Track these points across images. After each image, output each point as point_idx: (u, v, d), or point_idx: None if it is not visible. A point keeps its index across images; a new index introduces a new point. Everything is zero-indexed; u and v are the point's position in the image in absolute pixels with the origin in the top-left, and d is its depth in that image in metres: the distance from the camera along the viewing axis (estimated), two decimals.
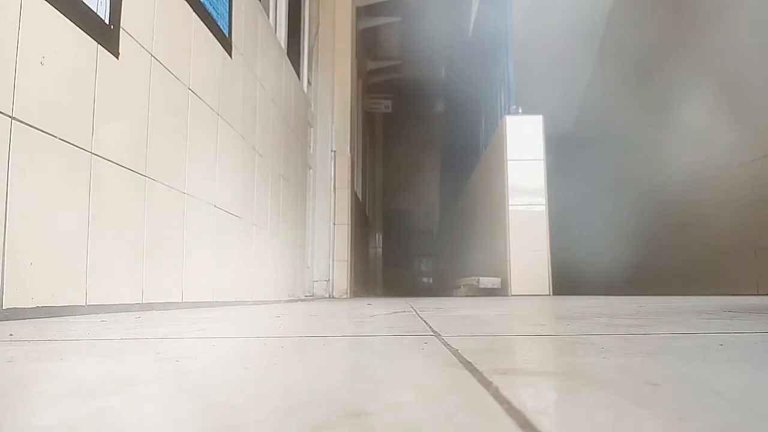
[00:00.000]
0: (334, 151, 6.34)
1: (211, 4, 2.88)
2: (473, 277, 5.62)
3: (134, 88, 2.14)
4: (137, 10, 2.14)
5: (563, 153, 8.18)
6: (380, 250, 13.21)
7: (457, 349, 0.84)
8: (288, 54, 4.74)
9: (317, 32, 6.35)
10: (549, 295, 4.80)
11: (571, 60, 8.58)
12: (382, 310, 2.17)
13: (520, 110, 5.21)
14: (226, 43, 3.09)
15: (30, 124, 1.55)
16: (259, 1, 3.82)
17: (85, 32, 1.80)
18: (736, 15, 4.97)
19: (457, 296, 5.78)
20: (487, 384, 0.56)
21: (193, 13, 2.67)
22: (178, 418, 0.45)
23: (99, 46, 1.88)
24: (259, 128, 3.73)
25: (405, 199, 15.69)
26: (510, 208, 5.01)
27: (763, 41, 4.51)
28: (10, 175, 1.47)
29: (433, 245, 15.84)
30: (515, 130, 5.11)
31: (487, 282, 5.21)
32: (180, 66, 2.51)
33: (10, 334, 1.09)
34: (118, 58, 2.00)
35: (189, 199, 2.60)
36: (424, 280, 16.41)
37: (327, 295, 6.02)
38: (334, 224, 6.24)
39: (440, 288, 11.24)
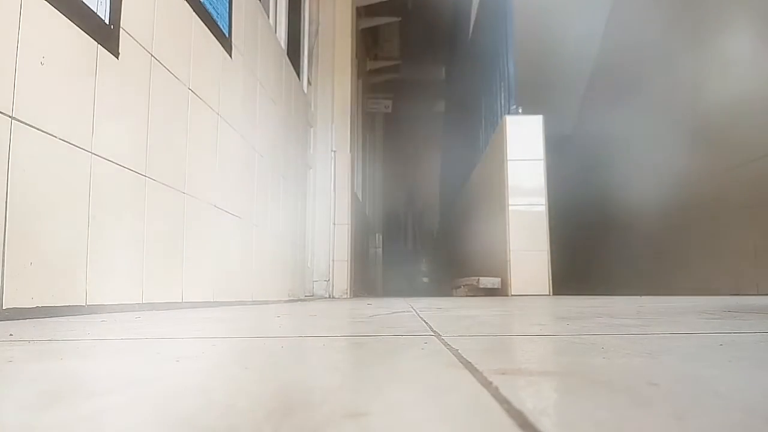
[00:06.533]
0: (334, 151, 6.33)
1: (211, 4, 2.88)
2: (473, 277, 5.62)
3: (134, 88, 2.13)
4: (137, 10, 2.14)
5: (563, 153, 8.18)
6: (380, 250, 13.20)
7: (457, 349, 0.84)
8: (288, 54, 4.74)
9: (317, 32, 6.35)
10: (549, 295, 4.80)
11: (571, 60, 8.58)
12: (382, 310, 2.17)
13: (520, 110, 5.21)
14: (226, 43, 3.09)
15: (30, 124, 1.55)
16: (259, 1, 3.82)
17: (85, 32, 1.80)
18: (738, 15, 4.97)
19: (457, 296, 5.78)
20: (487, 384, 0.56)
21: (193, 13, 2.67)
22: (179, 418, 0.45)
23: (99, 46, 1.88)
24: (259, 128, 3.73)
25: (405, 199, 15.68)
26: (510, 208, 5.00)
27: (763, 42, 4.51)
28: (10, 174, 1.47)
29: (433, 245, 15.84)
30: (515, 130, 5.10)
31: (487, 282, 5.21)
32: (180, 66, 2.51)
33: (10, 334, 1.09)
34: (118, 58, 2.00)
35: (189, 199, 2.60)
36: (424, 280, 16.41)
37: (327, 295, 6.02)
38: (334, 224, 6.24)
39: (440, 288, 11.24)
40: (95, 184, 1.85)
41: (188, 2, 2.61)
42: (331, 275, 6.13)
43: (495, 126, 5.90)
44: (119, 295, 2.01)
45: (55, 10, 1.66)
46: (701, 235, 5.50)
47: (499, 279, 5.18)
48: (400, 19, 9.35)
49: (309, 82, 6.09)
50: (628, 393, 0.52)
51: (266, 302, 3.72)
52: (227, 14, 3.13)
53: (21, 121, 1.51)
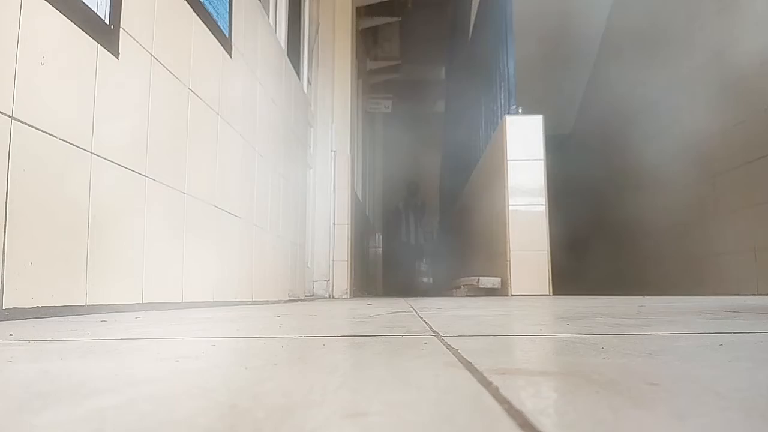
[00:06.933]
0: (334, 151, 6.33)
1: (211, 4, 2.88)
2: (473, 277, 5.62)
3: (134, 88, 2.13)
4: (137, 10, 2.14)
5: (563, 153, 8.18)
6: (380, 250, 13.18)
7: (457, 349, 0.84)
8: (288, 54, 4.74)
9: (317, 32, 6.35)
10: (549, 295, 4.80)
11: (571, 60, 8.58)
12: (382, 310, 2.17)
13: (520, 110, 5.21)
14: (226, 43, 3.09)
15: (30, 124, 1.55)
16: (259, 1, 3.82)
17: (85, 32, 1.80)
18: (736, 16, 4.97)
19: (457, 296, 5.77)
20: (487, 384, 0.56)
21: (193, 13, 2.67)
22: (179, 418, 0.45)
23: (99, 46, 1.88)
24: (259, 128, 3.73)
25: (405, 199, 15.62)
26: (510, 208, 5.00)
27: (763, 42, 4.51)
28: (10, 175, 1.47)
29: (433, 245, 15.83)
30: (515, 130, 5.10)
31: (487, 282, 5.21)
32: (180, 66, 2.51)
33: (10, 334, 1.09)
34: (118, 58, 2.00)
35: (189, 199, 2.60)
36: (424, 280, 16.38)
37: (327, 295, 6.02)
38: (334, 224, 6.24)
39: (440, 288, 11.24)
40: (95, 184, 1.85)
41: (188, 2, 2.61)
42: (331, 275, 6.13)
43: (495, 126, 5.90)
44: (119, 295, 2.01)
45: (55, 10, 1.66)
46: (701, 234, 5.50)
47: (499, 279, 5.17)
48: (400, 19, 9.35)
49: (309, 82, 6.09)
50: (628, 393, 0.52)
51: (266, 302, 3.72)
52: (227, 14, 3.13)
53: (21, 121, 1.51)
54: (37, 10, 1.59)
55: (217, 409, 0.47)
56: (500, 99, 5.91)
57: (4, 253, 1.45)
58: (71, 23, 1.74)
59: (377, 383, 0.59)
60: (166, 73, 2.37)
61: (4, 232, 1.45)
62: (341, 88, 6.52)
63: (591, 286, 7.31)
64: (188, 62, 2.60)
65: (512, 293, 4.85)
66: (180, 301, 2.49)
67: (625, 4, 7.70)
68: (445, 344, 0.92)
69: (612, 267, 7.90)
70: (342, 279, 6.17)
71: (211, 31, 2.88)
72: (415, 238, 11.33)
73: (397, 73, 10.76)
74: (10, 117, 1.48)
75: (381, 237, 13.15)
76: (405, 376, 0.63)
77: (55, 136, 1.65)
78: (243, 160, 3.42)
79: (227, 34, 3.12)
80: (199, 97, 2.71)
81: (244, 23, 3.43)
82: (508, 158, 5.06)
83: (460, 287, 5.98)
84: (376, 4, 7.90)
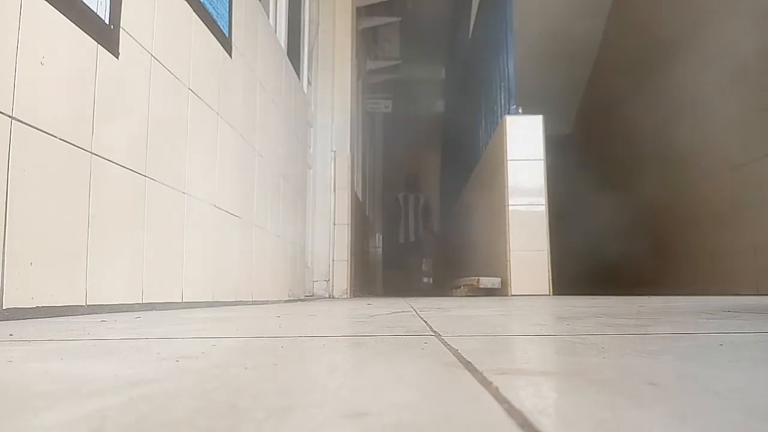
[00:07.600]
0: (334, 151, 6.33)
1: (211, 4, 2.88)
2: (473, 277, 5.62)
3: (134, 88, 2.13)
4: (137, 10, 2.14)
5: (563, 153, 8.17)
6: (380, 250, 13.17)
7: (457, 349, 0.84)
8: (288, 54, 4.74)
9: (317, 32, 6.35)
10: (549, 295, 4.80)
11: (571, 59, 8.58)
12: (382, 310, 2.17)
13: (520, 110, 5.21)
14: (226, 43, 3.09)
15: (30, 124, 1.55)
16: (259, 1, 3.82)
17: (85, 32, 1.80)
18: (736, 14, 4.97)
19: (456, 296, 5.77)
20: (487, 384, 0.56)
21: (193, 13, 2.67)
22: (179, 418, 0.45)
23: (99, 46, 1.88)
24: (259, 128, 3.73)
25: (404, 198, 15.60)
26: (510, 208, 5.00)
27: (762, 39, 4.51)
28: (10, 175, 1.47)
29: (433, 245, 15.82)
30: (515, 130, 5.10)
31: (487, 282, 5.20)
32: (180, 66, 2.51)
33: (10, 334, 1.09)
34: (118, 58, 2.00)
35: (189, 199, 2.60)
36: (424, 280, 16.38)
37: (327, 295, 6.02)
38: (334, 224, 6.23)
39: (440, 288, 11.23)
40: (95, 184, 1.85)
41: (188, 2, 2.61)
42: (331, 275, 6.13)
43: (495, 126, 5.90)
44: (119, 295, 2.01)
45: (55, 10, 1.66)
46: (701, 234, 5.50)
47: (499, 279, 5.17)
48: (400, 19, 9.35)
49: (309, 82, 6.09)
50: (628, 393, 0.52)
51: (266, 302, 3.72)
52: (227, 14, 3.13)
53: (21, 121, 1.51)
54: (37, 10, 1.59)
55: (217, 409, 0.47)
56: (500, 99, 5.90)
57: (4, 253, 1.45)
58: (71, 23, 1.74)
59: (377, 383, 0.59)
60: (166, 73, 2.37)
61: (4, 232, 1.45)
62: (341, 88, 6.52)
63: (591, 286, 7.30)
64: (188, 62, 2.60)
65: (512, 293, 4.85)
66: (180, 301, 2.49)
67: (625, 2, 7.70)
68: (445, 344, 0.92)
69: (611, 267, 7.89)
70: (342, 279, 6.17)
71: (211, 31, 2.88)
72: (415, 235, 11.24)
73: (397, 73, 10.76)
74: (10, 117, 1.48)
75: (381, 237, 13.14)
76: (405, 376, 0.63)
77: (55, 136, 1.65)
78: (243, 159, 3.42)
79: (227, 34, 3.12)
80: (199, 97, 2.71)
81: (244, 23, 3.43)
82: (508, 158, 5.06)
83: (460, 287, 5.98)
84: (376, 4, 7.90)
